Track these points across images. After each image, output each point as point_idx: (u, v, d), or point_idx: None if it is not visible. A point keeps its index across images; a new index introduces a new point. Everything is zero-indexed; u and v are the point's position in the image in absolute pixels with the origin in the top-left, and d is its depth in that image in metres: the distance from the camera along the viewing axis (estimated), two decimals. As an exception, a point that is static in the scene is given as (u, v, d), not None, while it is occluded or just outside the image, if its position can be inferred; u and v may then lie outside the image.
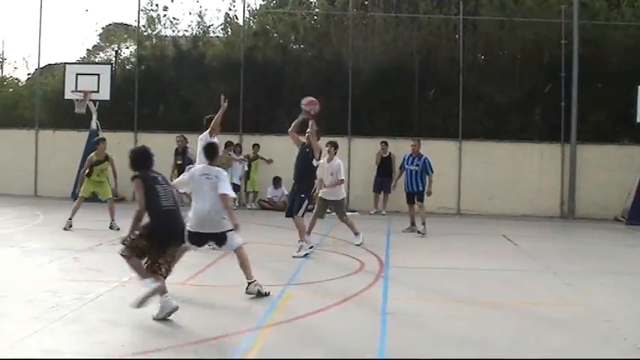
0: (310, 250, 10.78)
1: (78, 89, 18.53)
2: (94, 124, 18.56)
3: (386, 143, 18.59)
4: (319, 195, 12.06)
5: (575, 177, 18.60)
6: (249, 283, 7.70)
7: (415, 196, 13.96)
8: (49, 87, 21.71)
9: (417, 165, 13.93)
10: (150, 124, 19.45)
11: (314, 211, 11.94)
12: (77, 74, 18.71)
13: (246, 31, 20.94)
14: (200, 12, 21.43)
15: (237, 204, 18.99)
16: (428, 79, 19.49)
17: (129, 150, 7.28)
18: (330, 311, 7.17)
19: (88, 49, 23.71)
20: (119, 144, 15.86)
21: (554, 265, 10.64)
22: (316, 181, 11.59)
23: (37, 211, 15.46)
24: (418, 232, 13.69)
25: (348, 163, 18.84)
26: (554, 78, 18.69)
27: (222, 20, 21.75)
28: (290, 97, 19.14)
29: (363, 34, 20.40)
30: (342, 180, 12.18)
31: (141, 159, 7.12)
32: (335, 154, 12.16)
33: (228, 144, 18.15)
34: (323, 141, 11.39)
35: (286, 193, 18.39)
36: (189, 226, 7.56)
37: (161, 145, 16.77)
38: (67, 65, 19.54)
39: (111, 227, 12.76)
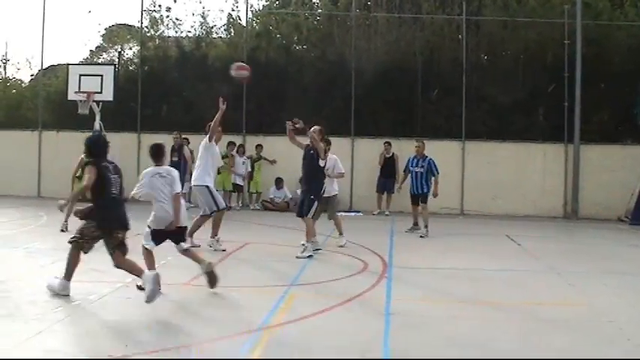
0: (315, 251, 10.80)
1: (81, 90, 18.52)
2: (97, 124, 18.55)
3: (389, 143, 18.59)
4: None
5: (578, 177, 18.59)
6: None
7: (419, 197, 13.92)
8: (52, 88, 21.75)
9: (422, 167, 13.88)
10: (153, 124, 19.48)
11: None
12: (80, 75, 18.69)
13: (249, 31, 20.94)
14: (203, 13, 21.49)
15: (240, 204, 19.06)
16: (431, 80, 19.49)
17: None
18: (333, 312, 7.16)
19: (91, 50, 23.77)
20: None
21: (557, 266, 10.63)
22: (325, 181, 11.56)
23: (41, 212, 15.47)
24: (420, 236, 13.60)
25: (351, 163, 18.92)
26: (558, 78, 18.68)
27: (224, 21, 21.80)
28: (293, 98, 19.27)
29: (365, 34, 20.39)
30: (343, 173, 12.36)
31: (96, 147, 7.70)
32: (328, 150, 12.12)
33: (230, 144, 18.18)
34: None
35: (289, 194, 18.51)
36: (154, 225, 7.89)
37: (170, 146, 16.86)
38: (70, 66, 19.54)
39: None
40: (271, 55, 20.54)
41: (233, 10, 21.54)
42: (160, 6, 21.25)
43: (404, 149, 17.24)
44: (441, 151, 16.80)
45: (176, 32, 21.67)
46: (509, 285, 9.09)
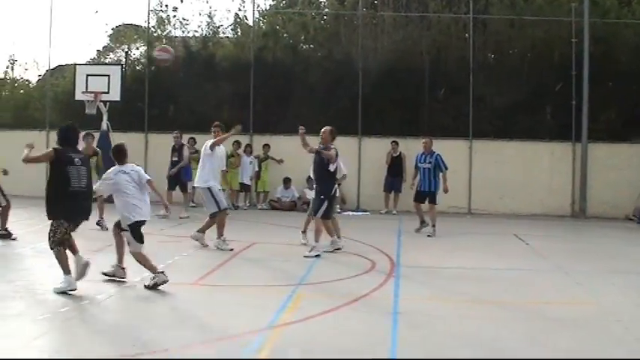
0: (336, 251, 10.92)
1: (88, 90, 18.57)
2: (104, 124, 18.60)
3: (396, 143, 18.57)
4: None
5: (586, 176, 18.52)
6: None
7: (427, 196, 13.84)
8: (59, 88, 21.79)
9: (430, 162, 13.83)
10: (160, 124, 19.50)
11: (309, 208, 12.02)
12: (87, 75, 18.74)
13: (256, 31, 20.95)
14: (210, 12, 21.43)
15: (248, 204, 19.08)
16: (438, 79, 19.45)
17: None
18: (341, 311, 7.18)
19: (98, 50, 23.79)
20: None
21: (565, 265, 10.60)
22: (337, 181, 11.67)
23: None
24: (428, 235, 13.56)
25: (359, 162, 18.92)
26: (565, 76, 18.61)
27: (231, 21, 21.74)
28: (300, 98, 19.28)
29: (372, 33, 20.37)
30: (345, 175, 12.54)
31: (63, 137, 8.09)
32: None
33: (235, 143, 18.19)
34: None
35: (296, 193, 18.53)
36: (130, 220, 8.05)
37: (171, 146, 16.90)
38: (77, 66, 19.58)
39: (98, 224, 12.59)
40: (278, 54, 20.55)
41: (240, 10, 21.53)
42: (166, 6, 21.26)
43: (411, 148, 17.21)
44: (448, 150, 16.68)
45: (183, 32, 21.68)
46: (516, 284, 9.07)
